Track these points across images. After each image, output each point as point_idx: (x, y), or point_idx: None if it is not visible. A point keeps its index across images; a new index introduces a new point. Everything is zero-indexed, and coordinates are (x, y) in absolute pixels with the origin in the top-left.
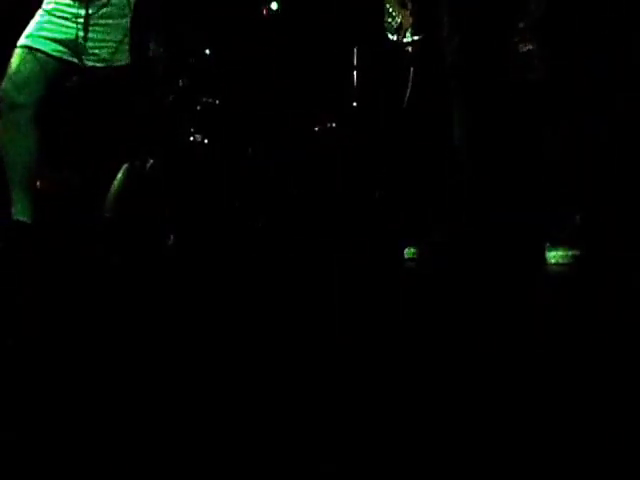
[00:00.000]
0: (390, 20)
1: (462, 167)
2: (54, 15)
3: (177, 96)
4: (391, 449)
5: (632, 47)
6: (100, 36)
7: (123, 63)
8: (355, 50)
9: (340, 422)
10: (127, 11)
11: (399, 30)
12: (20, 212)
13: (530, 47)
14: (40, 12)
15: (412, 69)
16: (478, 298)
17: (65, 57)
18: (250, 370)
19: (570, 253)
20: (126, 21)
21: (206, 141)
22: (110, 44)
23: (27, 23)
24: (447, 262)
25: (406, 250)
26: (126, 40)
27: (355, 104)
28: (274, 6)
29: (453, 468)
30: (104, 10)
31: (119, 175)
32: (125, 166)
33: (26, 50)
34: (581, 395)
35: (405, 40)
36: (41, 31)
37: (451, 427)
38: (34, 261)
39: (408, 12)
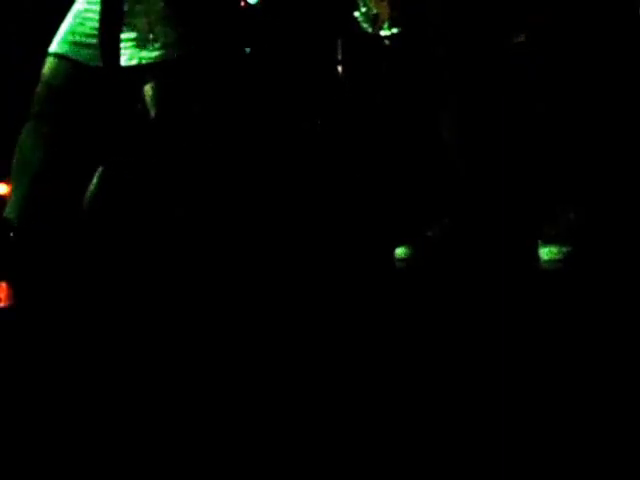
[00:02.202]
0: (365, 10)
1: (453, 164)
2: (85, 17)
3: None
4: (387, 449)
5: (632, 48)
6: (134, 35)
7: (153, 60)
8: (339, 43)
9: (335, 422)
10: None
11: (375, 22)
12: (11, 210)
13: (522, 38)
14: (71, 14)
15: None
16: (470, 296)
17: (96, 63)
18: (243, 372)
19: (563, 250)
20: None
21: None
22: (146, 42)
23: (53, 24)
24: (441, 260)
25: (397, 250)
26: (150, 36)
27: (340, 98)
28: None
29: (452, 466)
30: (140, 7)
31: (94, 178)
32: (100, 168)
33: (58, 58)
34: (576, 393)
35: (382, 33)
36: (73, 36)
37: (448, 426)
38: (17, 263)
39: (385, 2)
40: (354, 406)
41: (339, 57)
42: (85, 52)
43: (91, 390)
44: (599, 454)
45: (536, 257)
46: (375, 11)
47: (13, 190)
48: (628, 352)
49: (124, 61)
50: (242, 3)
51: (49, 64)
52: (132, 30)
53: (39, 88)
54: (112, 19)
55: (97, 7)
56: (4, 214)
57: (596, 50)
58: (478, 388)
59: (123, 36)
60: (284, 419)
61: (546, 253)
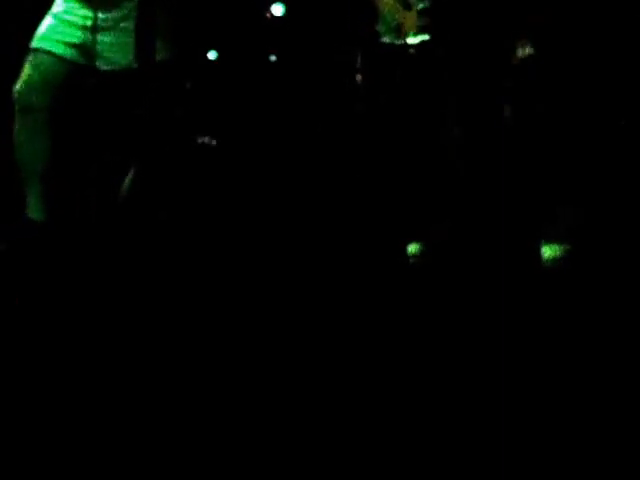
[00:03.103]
0: (388, 21)
1: (453, 164)
2: (63, 18)
3: (183, 99)
4: (389, 447)
5: (631, 49)
6: (114, 40)
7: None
8: (359, 52)
9: (337, 421)
10: None
11: (399, 31)
12: (32, 211)
13: (528, 52)
14: (50, 14)
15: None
16: (473, 295)
17: (78, 60)
18: (248, 368)
19: (564, 248)
20: None
21: (214, 143)
22: (127, 47)
23: (33, 21)
24: (446, 260)
25: (409, 246)
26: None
27: (359, 106)
28: (279, 10)
29: (452, 466)
30: (121, 14)
31: (128, 177)
32: (134, 168)
33: (39, 53)
34: (577, 392)
35: (409, 41)
36: (53, 34)
37: (448, 422)
38: (44, 259)
39: (413, 12)
40: (358, 401)
41: (359, 66)
42: (69, 50)
43: (92, 388)
44: (599, 454)
45: (537, 256)
46: (398, 21)
47: (27, 190)
48: (628, 350)
49: (116, 62)
50: (268, 15)
51: (33, 59)
52: (128, 36)
53: (20, 85)
54: (147, 24)
55: (80, 11)
56: (27, 215)
57: (596, 50)
58: (481, 383)
59: (119, 40)
60: (285, 416)
61: (547, 252)
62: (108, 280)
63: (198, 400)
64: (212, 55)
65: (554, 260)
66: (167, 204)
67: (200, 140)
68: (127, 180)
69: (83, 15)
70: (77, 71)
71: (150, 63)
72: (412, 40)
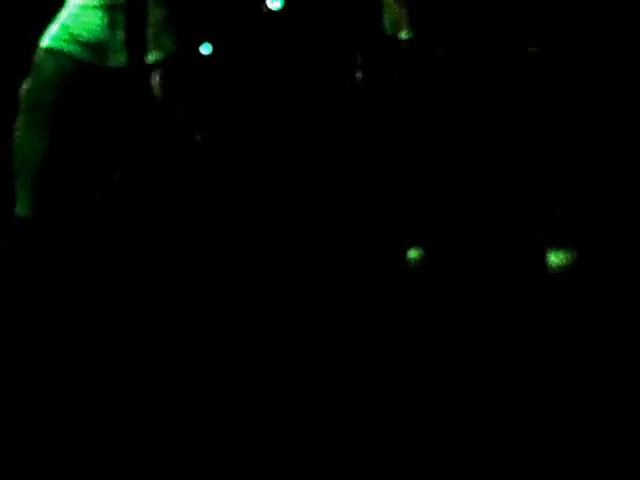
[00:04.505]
0: (386, 15)
1: (453, 164)
2: (77, 16)
3: (187, 97)
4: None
5: (632, 48)
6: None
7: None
8: (359, 49)
9: (336, 422)
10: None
11: (395, 26)
12: (22, 209)
13: (534, 49)
14: (62, 12)
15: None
16: (475, 301)
17: (88, 59)
18: (247, 369)
19: (572, 254)
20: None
21: (206, 141)
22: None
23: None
24: (446, 262)
25: (410, 251)
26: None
27: (357, 102)
28: (277, 5)
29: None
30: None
31: (126, 174)
32: (132, 165)
33: (48, 51)
34: (581, 397)
35: (402, 37)
36: (64, 32)
37: (448, 427)
38: (34, 258)
39: (406, 8)
40: (357, 405)
41: (359, 62)
42: (81, 49)
43: (91, 390)
44: (599, 455)
45: (540, 258)
46: (395, 16)
47: (19, 188)
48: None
49: (126, 59)
50: (264, 9)
51: (43, 58)
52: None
53: (28, 82)
54: (137, 24)
55: (92, 12)
56: (16, 213)
57: (596, 50)
58: (482, 388)
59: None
60: (284, 419)
61: (554, 258)
62: (107, 279)
63: (198, 400)
64: (205, 49)
65: (560, 267)
66: (164, 202)
67: (197, 138)
68: (125, 177)
69: (99, 14)
70: (86, 70)
71: (141, 59)
72: (404, 36)
